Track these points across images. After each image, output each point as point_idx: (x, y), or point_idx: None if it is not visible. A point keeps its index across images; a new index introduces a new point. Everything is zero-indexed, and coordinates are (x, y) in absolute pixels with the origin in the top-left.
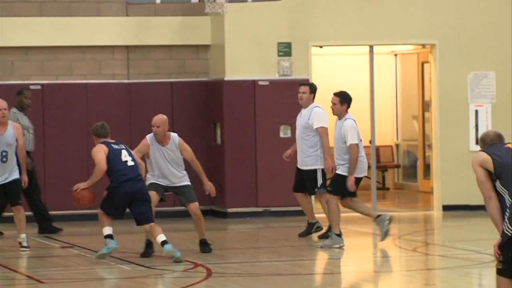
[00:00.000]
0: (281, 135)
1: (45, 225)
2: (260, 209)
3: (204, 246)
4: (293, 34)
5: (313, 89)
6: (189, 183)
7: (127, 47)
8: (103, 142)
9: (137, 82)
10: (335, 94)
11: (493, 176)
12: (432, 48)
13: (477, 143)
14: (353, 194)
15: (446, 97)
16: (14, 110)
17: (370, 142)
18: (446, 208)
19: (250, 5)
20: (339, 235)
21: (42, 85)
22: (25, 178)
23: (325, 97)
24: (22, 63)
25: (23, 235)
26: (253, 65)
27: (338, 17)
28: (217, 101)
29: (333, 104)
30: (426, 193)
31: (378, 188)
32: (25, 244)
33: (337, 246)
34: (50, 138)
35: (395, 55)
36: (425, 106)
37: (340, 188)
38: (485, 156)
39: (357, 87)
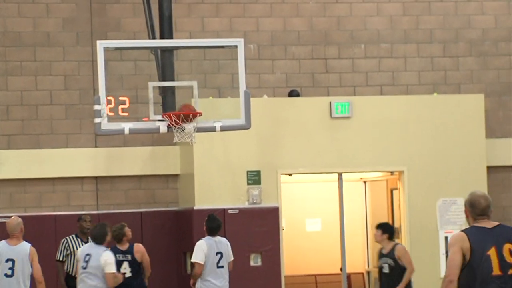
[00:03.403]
0: (252, 263)
1: None
2: None
3: None
4: (262, 162)
5: None
6: None
7: (96, 178)
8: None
9: (107, 213)
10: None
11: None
12: (400, 175)
13: None
14: None
15: (415, 224)
16: (71, 236)
17: (341, 269)
18: None
19: (218, 134)
20: None
21: (10, 217)
22: None
23: (297, 225)
24: None
25: None
26: (223, 193)
27: (306, 145)
28: (187, 230)
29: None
30: None
31: None
32: None
33: None
34: None
35: (364, 182)
36: (395, 232)
37: None
38: (467, 245)
39: (327, 214)
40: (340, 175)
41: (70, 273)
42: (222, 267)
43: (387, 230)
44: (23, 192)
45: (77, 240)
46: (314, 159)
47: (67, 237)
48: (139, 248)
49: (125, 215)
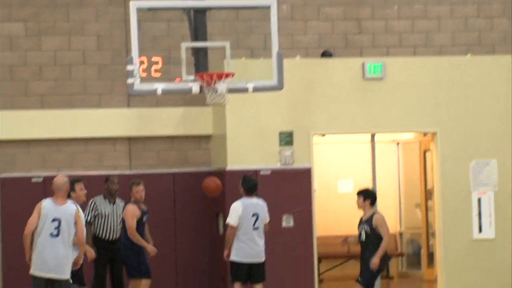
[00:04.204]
0: (284, 224)
1: None
2: None
3: None
4: (294, 123)
5: None
6: None
7: (129, 138)
8: None
9: (139, 173)
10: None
11: None
12: (433, 136)
13: (480, 231)
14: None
15: (448, 185)
16: (99, 197)
17: None
18: None
19: (251, 95)
20: None
21: (43, 177)
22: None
23: (329, 186)
24: (24, 156)
25: None
26: (255, 154)
27: (339, 105)
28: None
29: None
30: (431, 282)
31: (382, 277)
32: None
33: None
34: None
35: (397, 143)
36: (428, 194)
37: (230, 273)
38: None
39: (360, 175)
40: (372, 136)
41: (97, 234)
42: (258, 228)
43: (369, 196)
44: (56, 152)
45: (105, 201)
46: (347, 120)
47: (95, 198)
48: (126, 209)
49: (158, 176)
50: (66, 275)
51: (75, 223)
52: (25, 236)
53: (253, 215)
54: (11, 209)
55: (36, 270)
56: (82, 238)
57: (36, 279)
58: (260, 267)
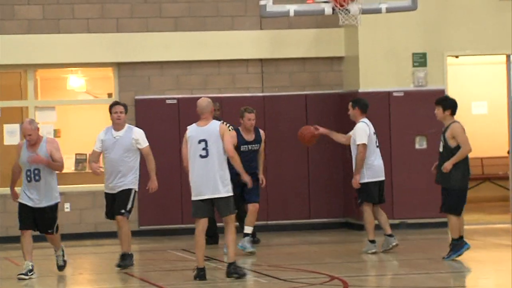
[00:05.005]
0: (417, 146)
1: None
2: (396, 221)
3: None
4: (428, 44)
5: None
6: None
7: (261, 60)
8: None
9: (271, 95)
10: (350, 101)
11: None
12: None
13: None
14: (374, 200)
15: None
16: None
17: (508, 152)
18: None
19: (384, 16)
20: (372, 242)
21: (177, 99)
22: None
23: (462, 108)
24: (158, 78)
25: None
26: (388, 76)
27: (474, 26)
28: None
29: (348, 110)
30: None
31: None
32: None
33: (370, 251)
34: None
35: None
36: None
37: (361, 195)
38: None
39: (494, 97)
40: (508, 56)
41: None
42: (379, 146)
43: (449, 105)
44: (189, 74)
45: None
46: (482, 41)
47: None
48: None
49: (290, 97)
50: (223, 193)
51: (222, 137)
52: (185, 167)
53: (373, 133)
54: (145, 130)
55: (195, 195)
56: (229, 149)
57: (196, 203)
58: (383, 186)
